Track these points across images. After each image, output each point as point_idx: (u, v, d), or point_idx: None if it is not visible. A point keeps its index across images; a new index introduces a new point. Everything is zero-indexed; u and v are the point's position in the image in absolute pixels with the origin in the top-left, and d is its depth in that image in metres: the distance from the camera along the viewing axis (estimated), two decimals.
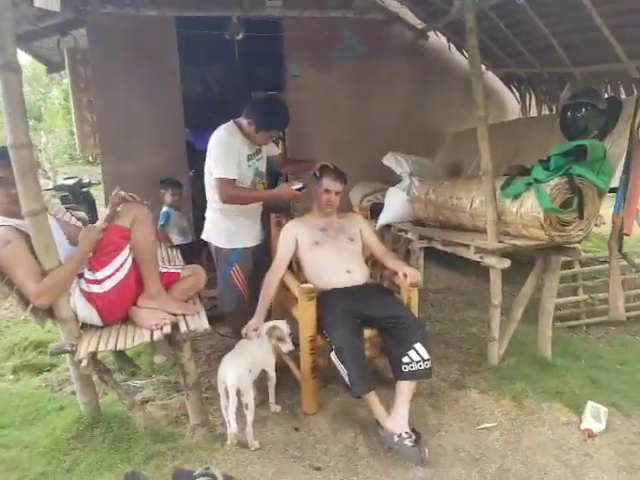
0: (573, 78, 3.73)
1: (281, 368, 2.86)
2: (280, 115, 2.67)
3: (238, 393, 2.17)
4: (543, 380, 2.71)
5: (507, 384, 2.66)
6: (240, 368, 2.21)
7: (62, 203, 6.48)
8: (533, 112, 4.87)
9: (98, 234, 2.06)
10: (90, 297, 2.10)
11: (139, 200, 2.20)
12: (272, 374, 2.47)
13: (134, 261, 2.16)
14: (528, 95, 4.87)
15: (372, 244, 2.83)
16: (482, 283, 4.62)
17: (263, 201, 2.85)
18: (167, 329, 2.06)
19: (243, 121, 2.64)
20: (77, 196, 6.02)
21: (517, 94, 5.07)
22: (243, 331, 2.52)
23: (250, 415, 2.20)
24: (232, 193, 2.57)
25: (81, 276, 2.12)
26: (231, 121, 2.68)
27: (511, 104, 5.26)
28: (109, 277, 2.09)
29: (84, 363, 1.96)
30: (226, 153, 2.56)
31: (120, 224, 2.10)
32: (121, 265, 2.10)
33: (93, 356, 2.01)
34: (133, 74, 3.97)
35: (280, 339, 2.44)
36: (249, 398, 2.20)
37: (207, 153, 2.66)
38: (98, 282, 2.09)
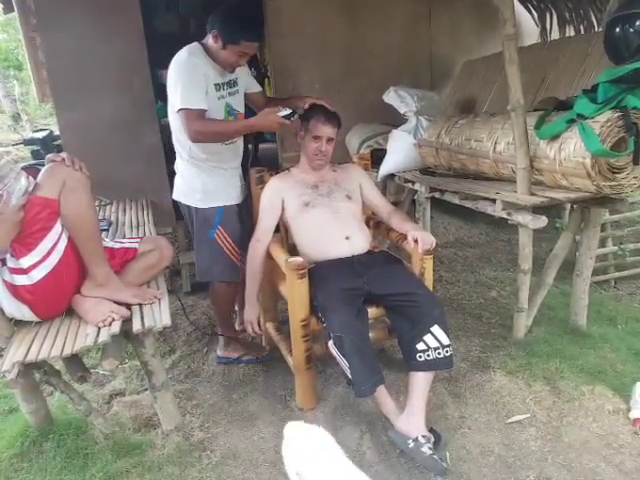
0: None
1: (271, 348, 2.48)
2: (251, 19, 2.07)
3: None
4: (579, 355, 2.30)
5: (538, 363, 2.25)
6: None
7: (34, 157, 6.02)
8: (554, 35, 4.25)
9: (14, 214, 1.54)
10: (16, 291, 1.63)
11: (72, 164, 1.65)
12: None
13: (70, 240, 1.67)
14: (549, 15, 4.22)
15: (375, 201, 2.33)
16: (493, 232, 4.20)
17: (241, 135, 2.28)
18: (115, 327, 1.61)
19: (208, 39, 2.07)
20: (50, 149, 5.54)
21: (535, 15, 4.41)
22: (248, 329, 2.20)
23: None
24: (200, 128, 2.00)
25: (4, 263, 1.65)
26: (194, 43, 2.11)
27: (528, 27, 4.59)
28: (37, 265, 1.61)
29: (11, 375, 1.52)
30: (189, 76, 2.00)
31: (44, 195, 1.58)
32: (52, 248, 1.61)
33: (26, 365, 1.57)
34: (83, 5, 3.30)
35: None
36: None
37: (168, 85, 2.09)
38: (24, 272, 1.61)
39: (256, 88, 2.41)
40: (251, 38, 2.05)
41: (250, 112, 2.35)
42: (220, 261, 2.28)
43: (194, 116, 1.98)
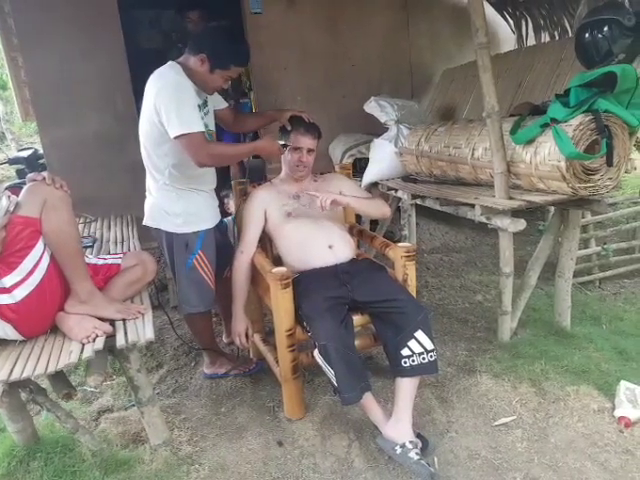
0: None
1: (257, 360, 2.49)
2: (243, 45, 2.04)
3: None
4: (564, 356, 2.33)
5: (523, 364, 2.27)
6: None
7: (19, 176, 6.00)
8: (530, 42, 4.34)
9: None
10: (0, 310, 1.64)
11: (52, 182, 1.65)
12: None
13: (53, 258, 1.68)
14: (524, 22, 4.31)
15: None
16: (479, 237, 4.25)
17: (246, 157, 2.26)
18: (99, 343, 1.61)
19: (190, 59, 2.00)
20: (35, 168, 5.52)
21: (511, 22, 4.50)
22: (236, 342, 2.23)
23: None
24: (213, 151, 1.97)
25: None
26: (171, 62, 2.02)
27: (504, 34, 4.69)
28: (20, 284, 1.60)
29: None
30: (184, 98, 1.91)
31: (25, 214, 1.58)
32: (34, 266, 1.61)
33: (10, 384, 1.57)
34: (64, 23, 3.33)
35: None
36: None
37: (147, 106, 1.99)
38: (7, 291, 1.60)
39: (223, 104, 2.32)
40: (240, 63, 2.05)
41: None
42: (198, 289, 2.21)
43: (200, 140, 1.91)
